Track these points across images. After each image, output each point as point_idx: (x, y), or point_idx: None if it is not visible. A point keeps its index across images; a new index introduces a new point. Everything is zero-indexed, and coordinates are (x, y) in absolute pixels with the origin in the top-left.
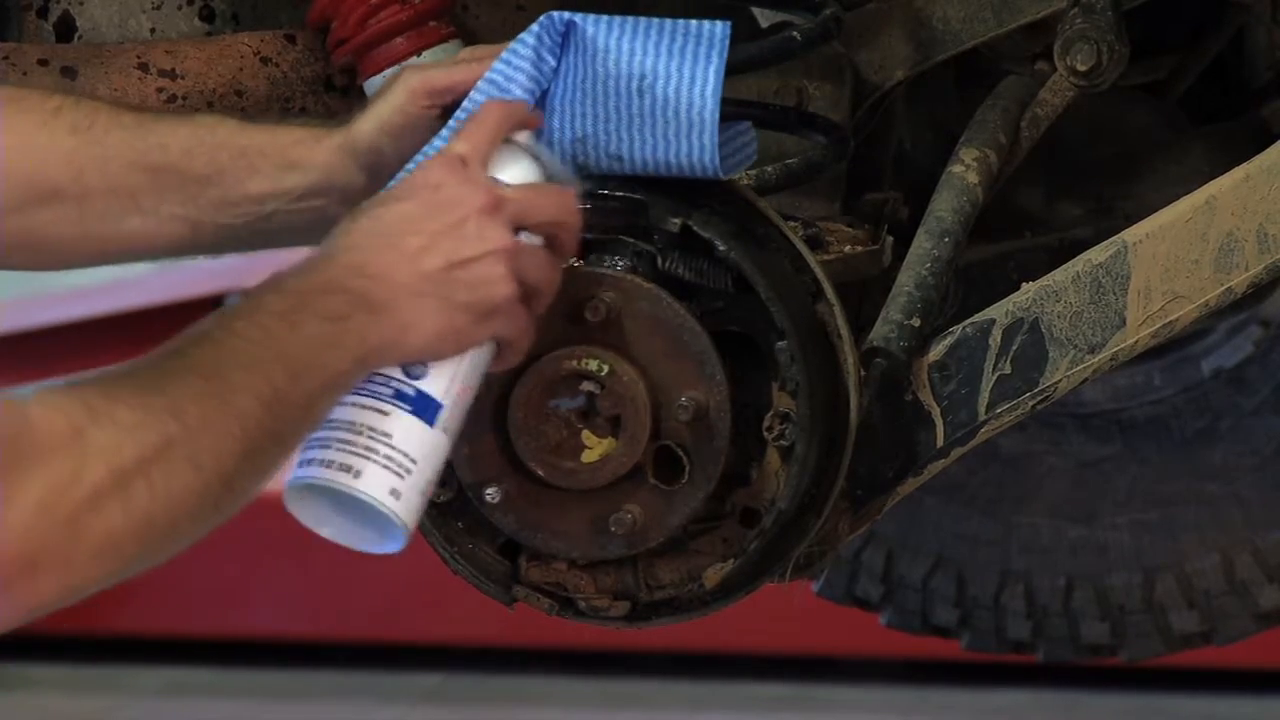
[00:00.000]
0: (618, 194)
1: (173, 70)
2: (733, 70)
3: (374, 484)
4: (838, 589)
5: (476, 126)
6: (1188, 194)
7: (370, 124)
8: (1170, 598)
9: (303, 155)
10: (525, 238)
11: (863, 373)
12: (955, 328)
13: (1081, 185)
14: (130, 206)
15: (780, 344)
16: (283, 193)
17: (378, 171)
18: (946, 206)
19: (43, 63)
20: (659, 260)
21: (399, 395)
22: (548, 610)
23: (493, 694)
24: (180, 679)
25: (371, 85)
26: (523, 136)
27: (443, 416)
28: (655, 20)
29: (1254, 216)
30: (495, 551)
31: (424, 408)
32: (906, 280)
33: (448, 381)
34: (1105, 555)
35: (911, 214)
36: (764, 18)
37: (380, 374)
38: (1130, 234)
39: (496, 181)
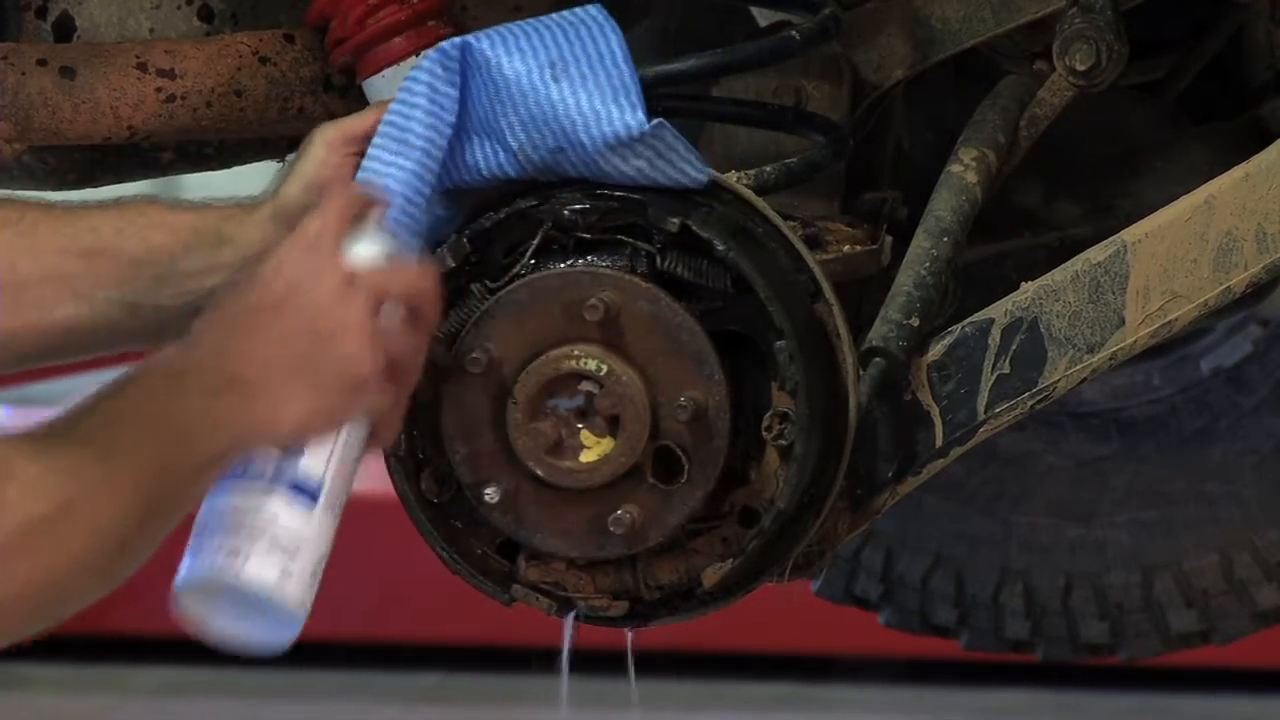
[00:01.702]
0: (617, 193)
1: (172, 70)
2: (733, 69)
3: (261, 570)
4: (836, 588)
5: (328, 207)
6: (1187, 193)
7: (295, 185)
8: (1169, 597)
9: (234, 230)
10: (385, 313)
11: (862, 372)
12: (954, 327)
13: (1080, 185)
14: (65, 293)
15: (779, 343)
16: (219, 267)
17: None
18: (945, 206)
19: (41, 63)
20: (658, 260)
21: (278, 477)
22: (546, 610)
23: (492, 694)
24: (178, 679)
25: (370, 85)
26: (375, 214)
27: (324, 495)
28: (535, 20)
29: (1253, 216)
30: (494, 551)
31: (305, 489)
32: (905, 280)
33: (325, 461)
34: (1104, 554)
35: (910, 213)
36: (762, 17)
37: (257, 458)
38: (1129, 233)
39: (352, 259)
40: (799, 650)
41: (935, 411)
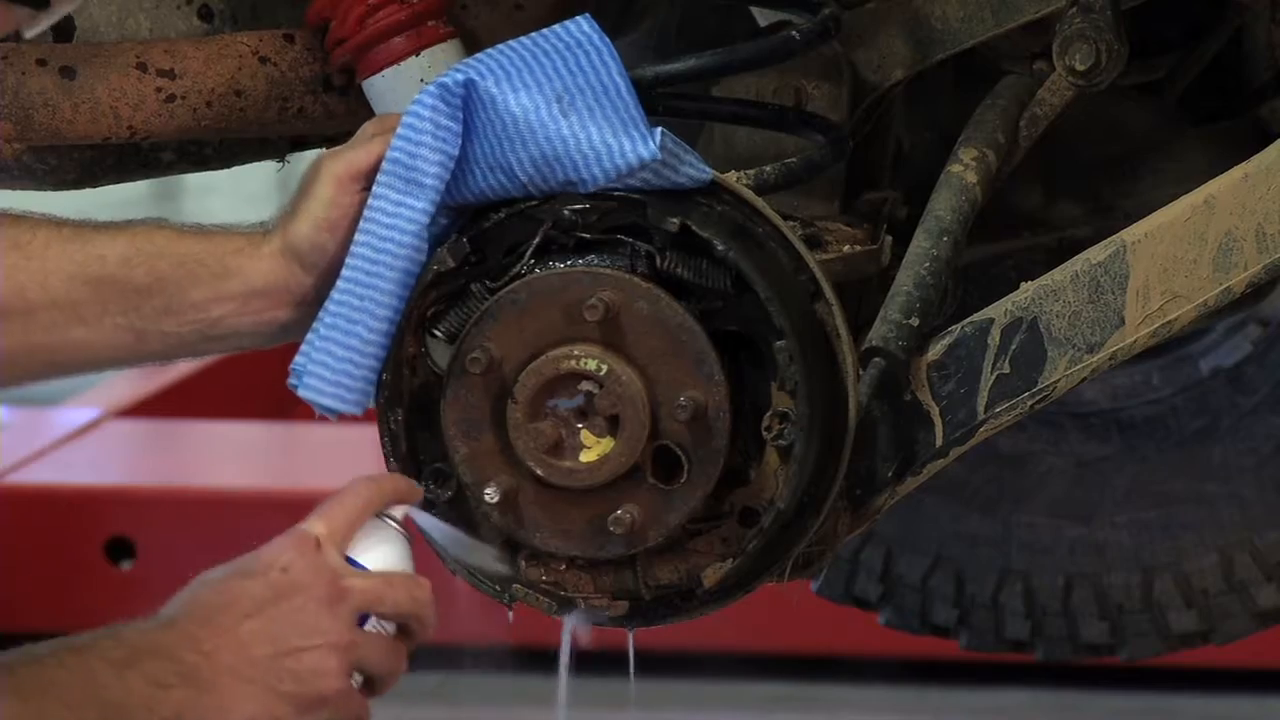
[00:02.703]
0: (616, 194)
1: (171, 70)
2: (732, 69)
3: None
4: (836, 588)
5: (339, 505)
6: (1186, 193)
7: (306, 224)
8: (1169, 597)
9: (242, 264)
10: (374, 624)
11: (861, 372)
12: (954, 327)
13: (1080, 185)
14: (74, 319)
15: (779, 343)
16: (226, 298)
17: (321, 267)
18: (945, 206)
19: (41, 63)
20: (658, 260)
21: None
22: (546, 610)
23: (493, 694)
24: None
25: (370, 85)
26: (398, 511)
27: None
28: (529, 42)
29: (1253, 216)
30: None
31: None
32: (905, 279)
33: None
34: (1104, 554)
35: (910, 213)
36: (762, 17)
37: None
38: (1129, 233)
39: (352, 565)
40: (799, 650)
41: (935, 411)
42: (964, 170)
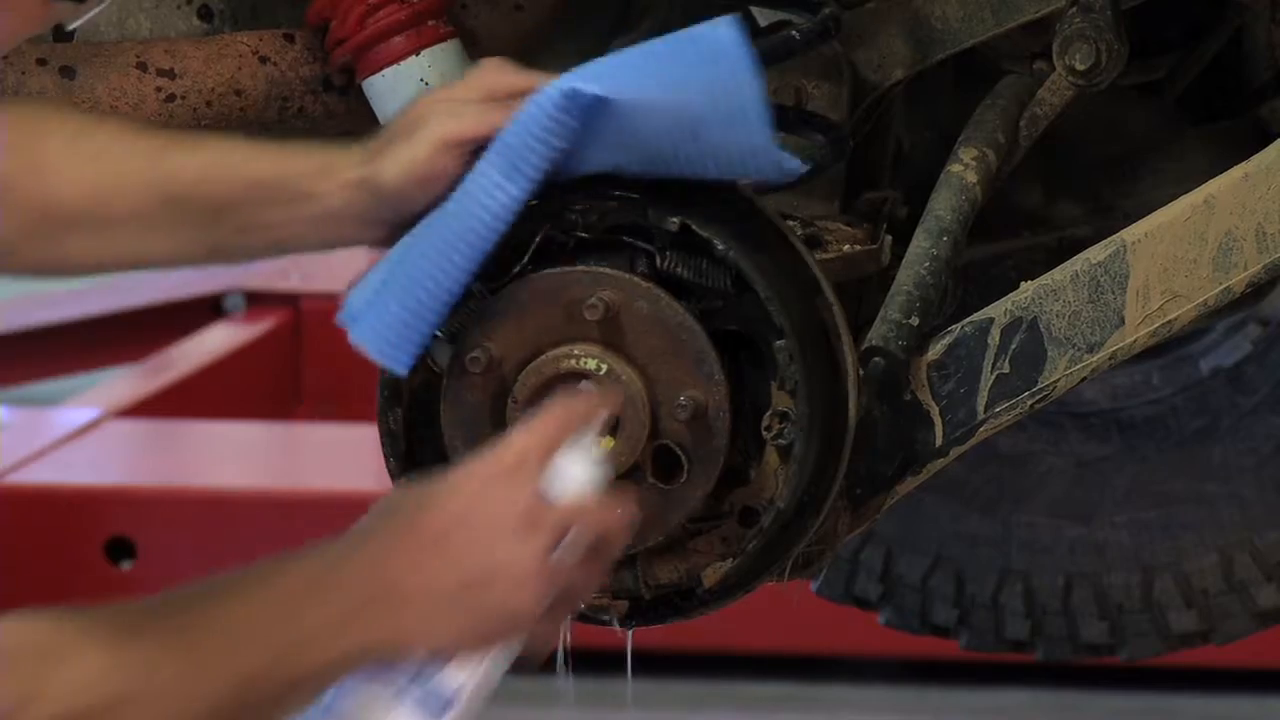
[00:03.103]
0: (616, 193)
1: (171, 69)
2: None
3: None
4: (836, 588)
5: (543, 427)
6: (1186, 193)
7: (397, 170)
8: (1169, 597)
9: (317, 189)
10: (566, 546)
11: (861, 372)
12: (954, 327)
13: (1080, 184)
14: (149, 231)
15: (779, 343)
16: (298, 220)
17: (400, 211)
18: (945, 206)
19: (41, 62)
20: (658, 259)
21: (410, 687)
22: None
23: (492, 694)
24: None
25: (370, 85)
26: (589, 437)
27: (455, 712)
28: (669, 47)
29: (1252, 216)
30: None
31: (434, 706)
32: (905, 279)
33: (461, 681)
34: (1104, 554)
35: (910, 213)
36: (762, 16)
37: (395, 662)
38: (1129, 233)
39: (551, 488)
40: (799, 650)
41: (935, 411)
42: (964, 170)
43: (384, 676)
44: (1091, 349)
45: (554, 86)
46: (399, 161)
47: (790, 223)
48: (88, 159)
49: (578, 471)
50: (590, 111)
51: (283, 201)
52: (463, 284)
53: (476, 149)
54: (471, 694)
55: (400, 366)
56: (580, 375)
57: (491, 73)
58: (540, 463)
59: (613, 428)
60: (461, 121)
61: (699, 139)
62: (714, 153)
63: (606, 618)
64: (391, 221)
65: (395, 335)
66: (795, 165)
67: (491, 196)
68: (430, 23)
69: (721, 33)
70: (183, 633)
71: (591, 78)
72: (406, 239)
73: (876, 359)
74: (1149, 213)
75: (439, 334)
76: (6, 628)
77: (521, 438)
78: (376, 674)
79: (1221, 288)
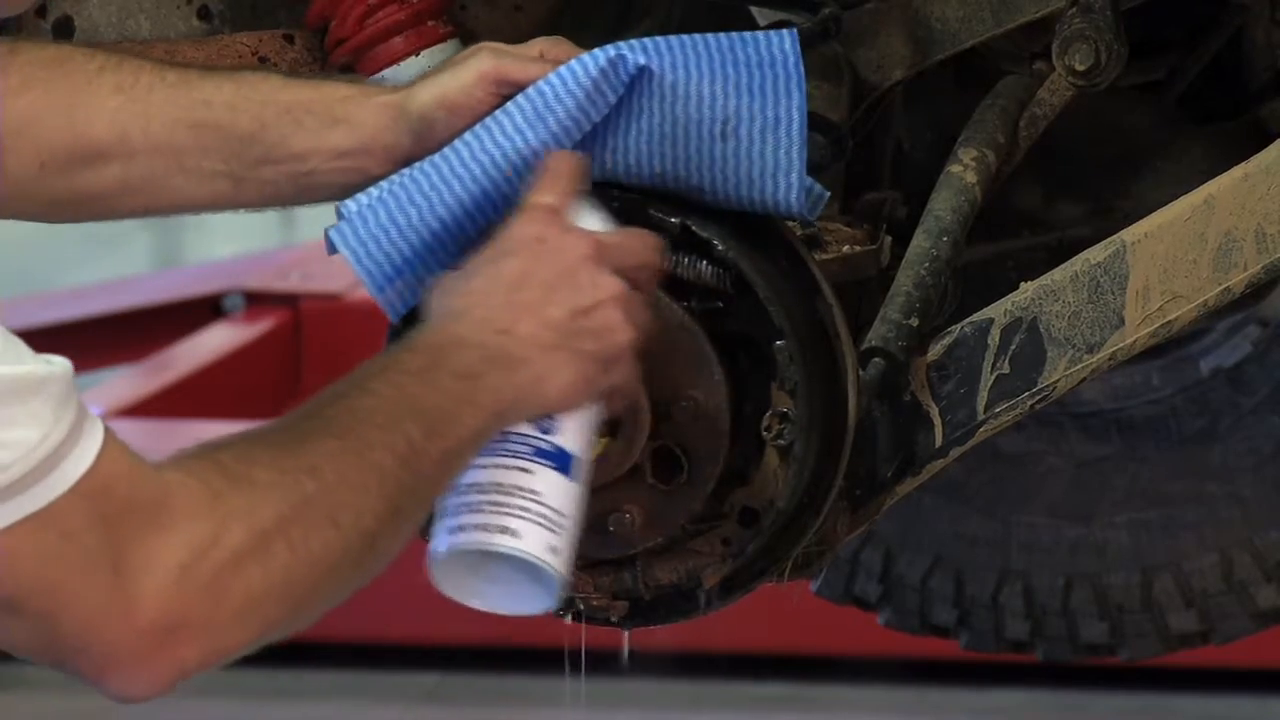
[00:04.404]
0: (616, 193)
1: None
2: None
3: (535, 544)
4: (836, 588)
5: (556, 178)
6: (1186, 194)
7: (430, 94)
8: (1168, 597)
9: (350, 112)
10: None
11: (861, 372)
12: (954, 327)
13: (1080, 185)
14: (174, 165)
15: (779, 343)
16: (326, 150)
17: (425, 139)
18: (945, 206)
19: None
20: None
21: (539, 452)
22: None
23: (492, 694)
24: None
25: None
26: (584, 185)
27: (578, 468)
28: (724, 42)
29: (1252, 216)
30: None
31: (563, 462)
32: (905, 280)
33: (578, 433)
34: (1103, 555)
35: (910, 213)
36: (762, 17)
37: (514, 431)
38: (1129, 233)
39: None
40: (799, 650)
41: (935, 411)
42: (964, 170)
43: (511, 450)
44: (1091, 349)
45: (601, 50)
46: (434, 87)
47: (790, 223)
48: (114, 90)
49: (595, 215)
50: (631, 84)
51: (313, 127)
52: (455, 219)
53: (509, 95)
54: (584, 450)
55: (376, 285)
56: None
57: (548, 40)
58: (569, 208)
59: (613, 428)
60: (508, 62)
61: (730, 140)
62: (741, 159)
63: (607, 617)
64: (415, 155)
65: (378, 250)
66: (820, 192)
67: (508, 137)
68: (430, 23)
69: (781, 40)
70: (328, 434)
71: (639, 50)
72: (415, 164)
73: (876, 359)
74: (1149, 213)
75: None
76: (169, 477)
77: (543, 195)
78: (500, 444)
79: (1221, 288)
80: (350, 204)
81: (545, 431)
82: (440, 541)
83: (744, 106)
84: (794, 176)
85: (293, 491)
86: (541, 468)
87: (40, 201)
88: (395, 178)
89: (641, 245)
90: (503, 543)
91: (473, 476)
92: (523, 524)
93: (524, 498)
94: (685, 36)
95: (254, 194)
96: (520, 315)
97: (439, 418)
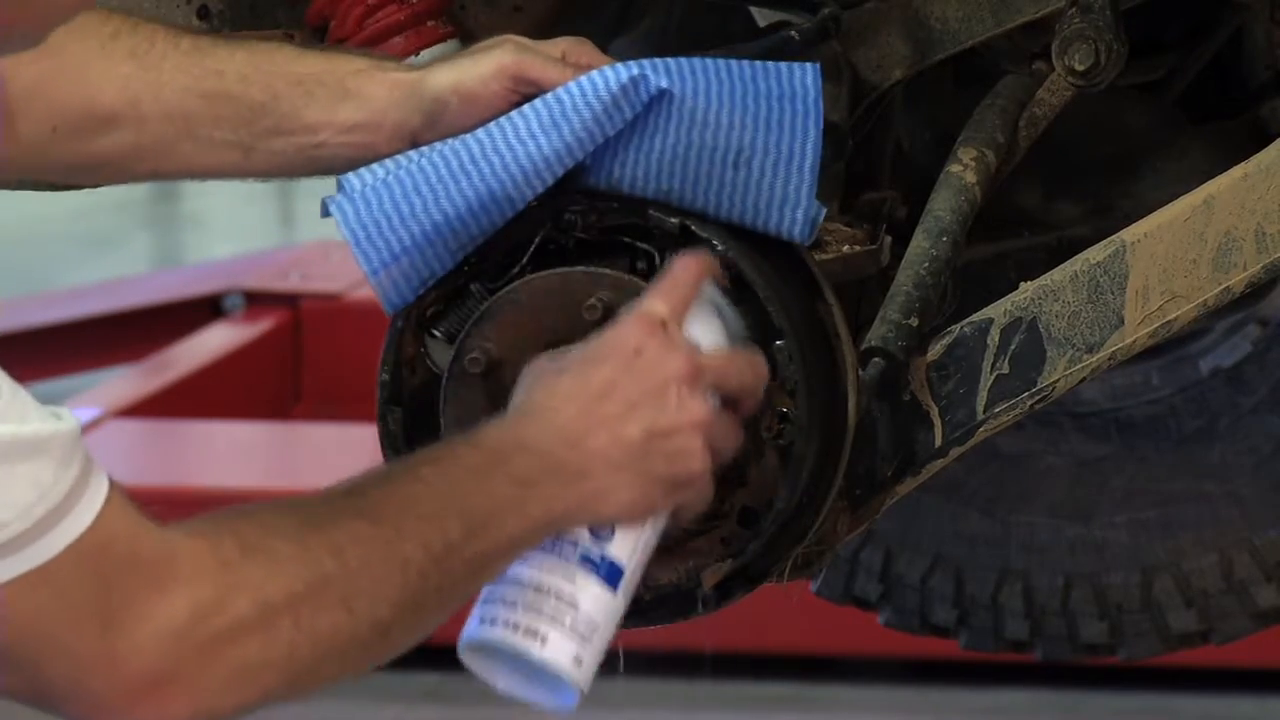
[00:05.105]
0: (616, 194)
1: None
2: None
3: (560, 652)
4: (836, 588)
5: (674, 285)
6: (1186, 193)
7: (447, 77)
8: (1168, 597)
9: (361, 85)
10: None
11: (861, 372)
12: (953, 327)
13: (1080, 184)
14: (184, 132)
15: (778, 343)
16: (336, 123)
17: (435, 121)
18: (944, 206)
19: None
20: (657, 260)
21: (586, 560)
22: None
23: (492, 694)
24: None
25: None
26: (709, 290)
27: (625, 582)
28: (746, 72)
29: (1252, 216)
30: None
31: (610, 574)
32: (904, 280)
33: (633, 547)
34: (1103, 554)
35: (909, 213)
36: (762, 17)
37: (567, 533)
38: (1128, 233)
39: (695, 346)
40: (799, 650)
41: (934, 411)
42: (963, 170)
43: (559, 552)
44: (1091, 349)
45: (624, 66)
46: (452, 72)
47: None
48: (126, 55)
49: (712, 326)
50: (649, 104)
51: (323, 100)
52: (458, 215)
53: (528, 96)
54: (638, 562)
55: (372, 268)
56: None
57: (573, 43)
58: (681, 319)
59: None
60: (526, 56)
61: (742, 169)
62: (750, 188)
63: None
64: (423, 135)
65: (378, 234)
66: (820, 211)
67: (521, 141)
68: (429, 23)
69: (804, 74)
70: (363, 516)
71: (662, 70)
72: (422, 150)
73: (876, 359)
74: (1149, 213)
75: (438, 334)
76: (181, 541)
77: (657, 300)
78: (551, 545)
79: (1221, 288)
80: (354, 179)
81: (598, 539)
82: (473, 626)
83: (760, 139)
84: (800, 211)
85: (310, 569)
86: (585, 577)
87: (52, 164)
88: (403, 159)
89: (747, 367)
90: (529, 648)
91: (518, 569)
92: (554, 632)
93: (560, 605)
94: (709, 60)
95: (263, 164)
96: (594, 428)
97: (482, 520)
